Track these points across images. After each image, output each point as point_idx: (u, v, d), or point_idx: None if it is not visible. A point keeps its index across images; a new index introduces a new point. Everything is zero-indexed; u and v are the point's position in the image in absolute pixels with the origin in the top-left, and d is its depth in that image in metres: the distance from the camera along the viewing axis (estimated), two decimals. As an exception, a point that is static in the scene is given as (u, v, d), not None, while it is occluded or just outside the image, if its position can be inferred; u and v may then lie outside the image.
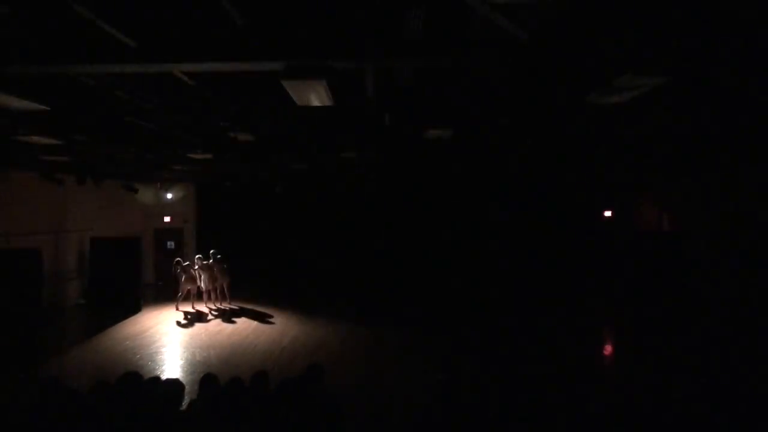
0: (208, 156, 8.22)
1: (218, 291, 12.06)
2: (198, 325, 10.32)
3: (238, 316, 11.16)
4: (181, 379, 6.63)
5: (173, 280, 12.13)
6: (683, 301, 10.70)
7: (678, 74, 3.27)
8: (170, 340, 9.16)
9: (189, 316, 11.08)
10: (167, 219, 15.58)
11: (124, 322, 10.59)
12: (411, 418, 5.67)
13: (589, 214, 13.98)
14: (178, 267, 11.70)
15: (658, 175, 11.57)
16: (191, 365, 7.66)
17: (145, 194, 14.72)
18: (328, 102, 3.80)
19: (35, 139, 6.27)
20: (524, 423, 5.73)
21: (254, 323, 10.47)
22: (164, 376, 6.89)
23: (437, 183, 14.38)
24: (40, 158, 8.69)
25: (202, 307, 11.76)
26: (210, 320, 10.80)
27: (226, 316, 11.16)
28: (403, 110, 5.51)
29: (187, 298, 11.70)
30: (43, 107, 4.31)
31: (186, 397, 3.61)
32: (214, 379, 3.63)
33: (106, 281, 11.52)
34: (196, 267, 11.78)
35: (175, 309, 11.59)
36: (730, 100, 4.91)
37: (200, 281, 11.80)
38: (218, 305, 12.00)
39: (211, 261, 11.83)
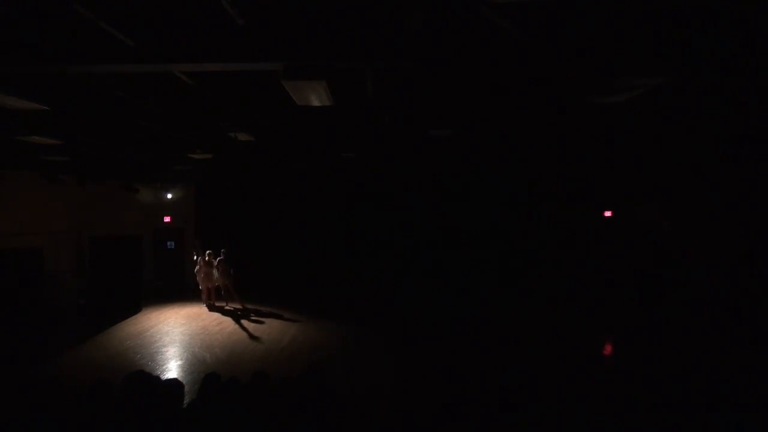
0: (208, 156, 8.22)
1: (222, 290, 12.07)
2: (198, 325, 10.32)
3: (238, 316, 11.16)
4: (181, 379, 6.65)
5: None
6: (682, 301, 10.70)
7: (678, 74, 3.28)
8: (170, 340, 9.17)
9: (189, 316, 11.09)
10: (167, 219, 15.59)
11: (124, 322, 10.60)
12: (411, 416, 5.67)
13: (589, 214, 13.98)
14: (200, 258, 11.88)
15: (658, 175, 11.58)
16: (191, 365, 7.66)
17: (145, 194, 14.72)
18: (328, 102, 3.80)
19: (35, 139, 6.27)
20: (524, 422, 5.73)
21: (254, 323, 10.47)
22: (164, 376, 6.90)
23: (437, 183, 14.38)
24: (40, 158, 8.70)
25: (203, 307, 11.79)
26: (208, 319, 10.79)
27: (227, 316, 11.16)
28: (403, 110, 5.51)
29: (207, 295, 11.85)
30: (43, 107, 4.32)
31: (186, 397, 3.61)
32: (217, 379, 3.63)
33: (106, 281, 11.51)
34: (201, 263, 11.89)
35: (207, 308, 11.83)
36: (729, 99, 4.91)
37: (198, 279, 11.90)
38: (226, 305, 12.01)
39: (217, 258, 11.88)
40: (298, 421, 3.35)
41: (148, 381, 3.50)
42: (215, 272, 11.83)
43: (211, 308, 11.83)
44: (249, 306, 12.06)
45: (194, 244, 12.28)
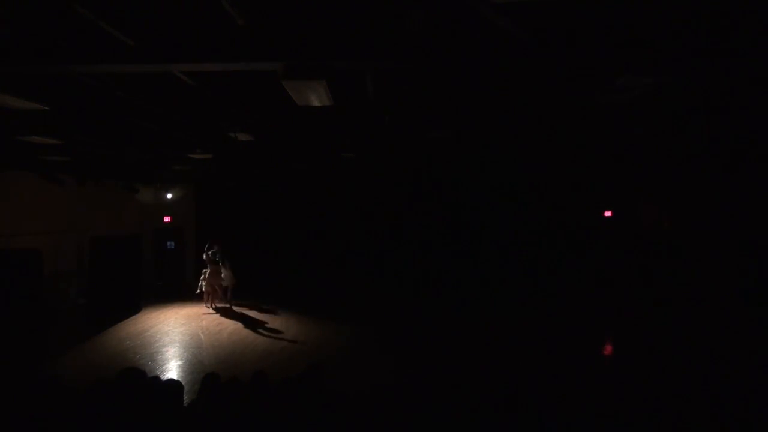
0: (208, 156, 8.22)
1: (219, 291, 12.05)
2: (198, 325, 10.32)
3: (238, 316, 11.16)
4: (181, 379, 6.65)
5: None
6: (682, 301, 10.70)
7: (678, 74, 3.28)
8: (170, 340, 9.16)
9: (191, 316, 11.08)
10: (167, 219, 15.59)
11: (124, 322, 10.59)
12: (411, 416, 5.66)
13: (589, 214, 13.97)
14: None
15: (658, 175, 11.58)
16: (191, 365, 7.66)
17: (145, 194, 14.72)
18: (328, 102, 3.80)
19: (35, 139, 6.27)
20: (524, 422, 5.72)
21: (254, 323, 10.46)
22: (164, 376, 6.90)
23: (436, 182, 14.38)
24: (40, 158, 8.70)
25: (203, 307, 11.80)
26: (208, 319, 10.78)
27: (227, 316, 11.15)
28: (403, 111, 5.51)
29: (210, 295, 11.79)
30: (43, 107, 4.32)
31: (186, 397, 3.61)
32: (217, 379, 3.63)
33: (106, 281, 11.50)
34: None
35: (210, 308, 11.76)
36: (729, 100, 4.91)
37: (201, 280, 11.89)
38: (216, 305, 11.98)
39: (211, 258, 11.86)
40: (298, 421, 3.35)
41: (141, 377, 3.51)
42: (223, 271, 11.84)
43: (212, 309, 11.83)
44: (248, 306, 12.05)
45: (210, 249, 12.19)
